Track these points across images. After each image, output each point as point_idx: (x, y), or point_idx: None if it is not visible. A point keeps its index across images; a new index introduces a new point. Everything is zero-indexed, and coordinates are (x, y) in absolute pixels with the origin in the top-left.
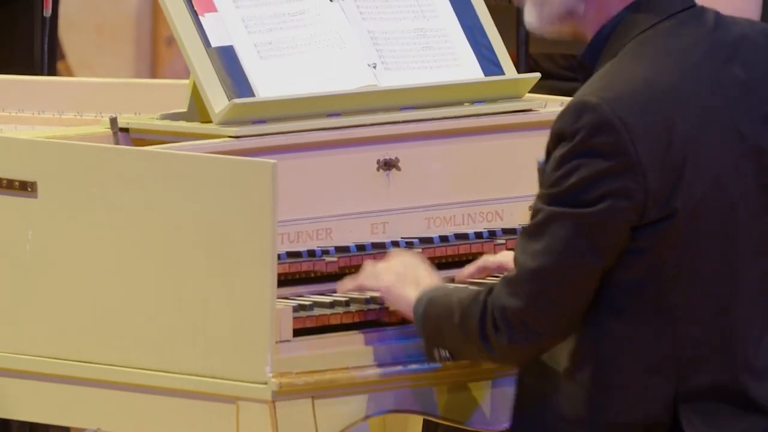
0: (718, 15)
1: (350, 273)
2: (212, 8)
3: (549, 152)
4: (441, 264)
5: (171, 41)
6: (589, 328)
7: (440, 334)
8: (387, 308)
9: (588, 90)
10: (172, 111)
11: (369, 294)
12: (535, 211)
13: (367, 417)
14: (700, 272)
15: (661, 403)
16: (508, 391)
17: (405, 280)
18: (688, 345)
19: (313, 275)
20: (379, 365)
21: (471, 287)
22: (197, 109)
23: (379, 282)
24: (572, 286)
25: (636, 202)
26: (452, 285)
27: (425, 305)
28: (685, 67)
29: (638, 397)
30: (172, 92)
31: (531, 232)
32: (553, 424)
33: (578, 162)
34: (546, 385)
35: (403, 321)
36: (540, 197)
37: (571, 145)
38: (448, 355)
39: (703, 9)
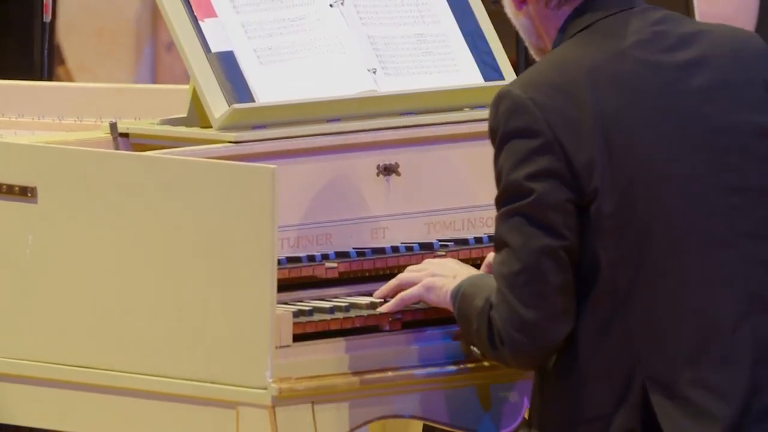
0: (669, 14)
1: (350, 278)
2: (212, 13)
3: None
4: None
5: (171, 46)
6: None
7: (468, 336)
8: (387, 314)
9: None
10: (171, 116)
11: (369, 300)
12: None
13: (367, 422)
14: (644, 258)
15: (630, 392)
16: (508, 397)
17: (442, 275)
18: (642, 333)
19: (313, 280)
20: (379, 370)
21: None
22: (197, 115)
23: (415, 280)
24: (547, 275)
25: (565, 180)
26: (482, 277)
27: (459, 301)
28: (610, 53)
29: (605, 390)
30: (172, 97)
31: (495, 244)
32: (543, 424)
33: (504, 152)
34: (542, 384)
35: (403, 326)
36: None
37: (497, 139)
38: (480, 353)
39: (650, 8)
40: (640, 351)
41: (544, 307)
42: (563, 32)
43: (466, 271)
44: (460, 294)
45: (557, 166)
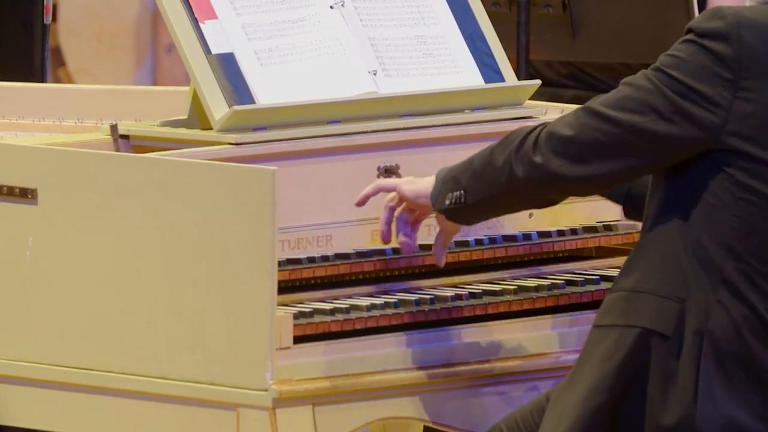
0: None
1: (351, 280)
2: (213, 15)
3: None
4: (441, 271)
5: (171, 48)
6: (654, 230)
7: (465, 170)
8: (388, 314)
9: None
10: (172, 118)
11: (369, 302)
12: None
13: (367, 423)
14: (759, 230)
15: (681, 333)
16: (508, 397)
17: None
18: (722, 289)
19: (313, 282)
20: (380, 372)
21: None
22: (197, 116)
23: (393, 182)
24: (619, 143)
25: (715, 116)
26: None
27: (450, 167)
28: None
29: (660, 312)
30: (173, 99)
31: (622, 83)
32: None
33: (689, 52)
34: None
35: (403, 328)
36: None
37: (691, 38)
38: (461, 195)
39: None
40: (705, 314)
41: (585, 156)
42: None
43: None
44: (451, 165)
45: (718, 102)
